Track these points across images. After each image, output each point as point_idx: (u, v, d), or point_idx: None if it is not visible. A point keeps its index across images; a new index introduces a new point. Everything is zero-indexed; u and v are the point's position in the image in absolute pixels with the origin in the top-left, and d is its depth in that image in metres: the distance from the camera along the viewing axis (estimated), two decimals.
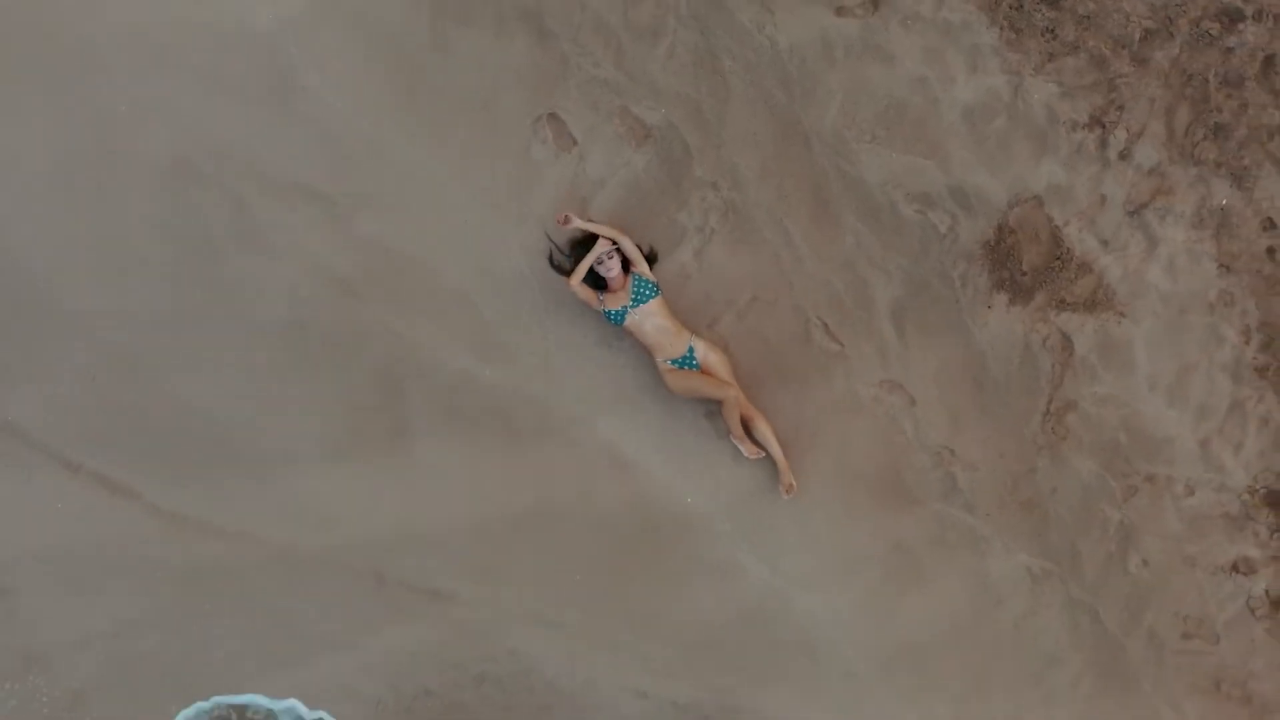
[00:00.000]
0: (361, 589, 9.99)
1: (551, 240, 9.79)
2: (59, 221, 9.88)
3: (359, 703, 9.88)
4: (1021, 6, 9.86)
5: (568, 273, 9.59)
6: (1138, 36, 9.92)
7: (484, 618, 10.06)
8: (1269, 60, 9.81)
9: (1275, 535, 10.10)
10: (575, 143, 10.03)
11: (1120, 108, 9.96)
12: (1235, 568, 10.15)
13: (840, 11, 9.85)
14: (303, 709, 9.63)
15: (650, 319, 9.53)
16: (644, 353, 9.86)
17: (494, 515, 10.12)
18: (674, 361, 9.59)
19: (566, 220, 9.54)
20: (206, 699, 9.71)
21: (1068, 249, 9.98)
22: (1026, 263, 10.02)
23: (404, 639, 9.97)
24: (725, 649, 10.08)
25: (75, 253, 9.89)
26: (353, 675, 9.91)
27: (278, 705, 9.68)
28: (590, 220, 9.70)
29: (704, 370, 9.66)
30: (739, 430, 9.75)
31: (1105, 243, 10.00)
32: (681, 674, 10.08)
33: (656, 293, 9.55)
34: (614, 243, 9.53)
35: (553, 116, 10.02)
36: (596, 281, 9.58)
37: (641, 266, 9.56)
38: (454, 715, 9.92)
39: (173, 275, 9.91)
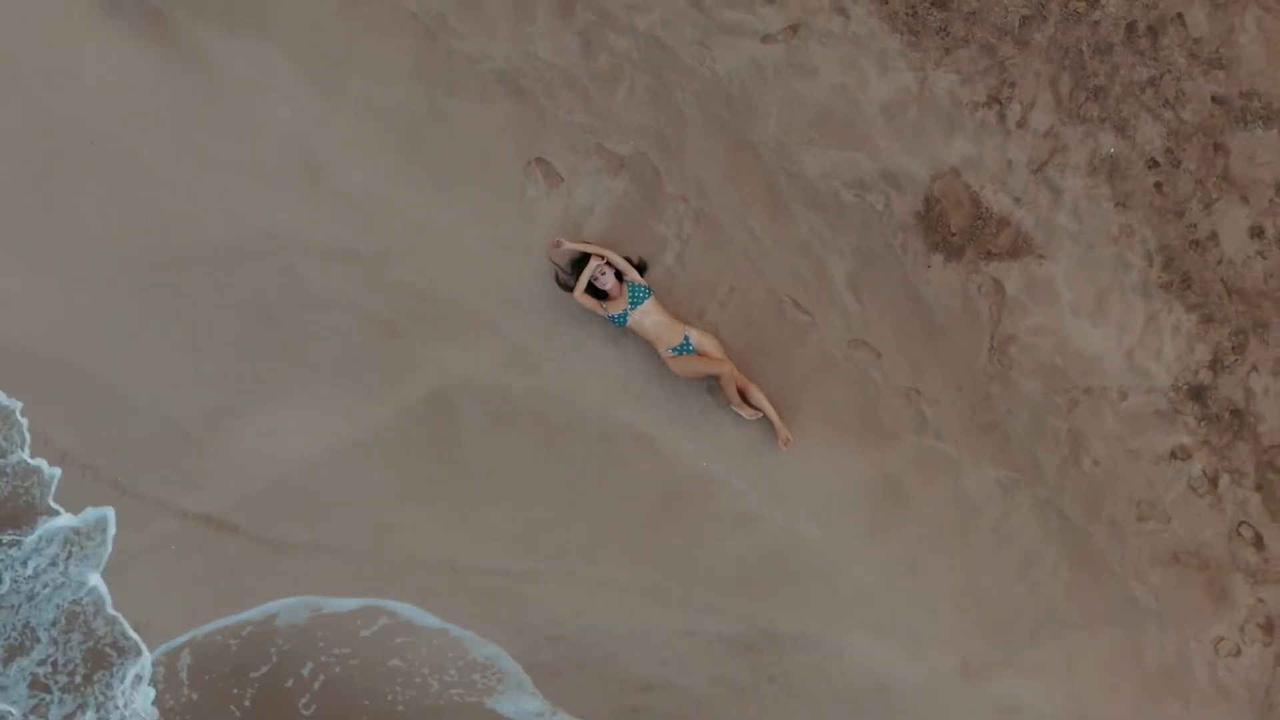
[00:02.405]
0: (441, 580, 11.28)
1: (555, 263, 11.16)
2: (135, 310, 11.23)
3: None
4: (915, 13, 11.24)
5: (571, 289, 10.98)
6: (1017, 23, 11.32)
7: (548, 588, 11.29)
8: (1130, 26, 11.24)
9: (1202, 423, 11.23)
10: (562, 179, 11.41)
11: (1012, 85, 11.30)
12: (1173, 455, 11.26)
13: (766, 39, 11.27)
14: None
15: (648, 317, 10.92)
16: (647, 346, 11.18)
17: (541, 500, 11.40)
18: (674, 349, 10.95)
19: (559, 244, 10.99)
20: None
21: (987, 209, 11.27)
22: (954, 225, 11.30)
23: (481, 619, 11.25)
24: (754, 585, 11.30)
25: (150, 332, 11.23)
26: None
27: None
28: (582, 241, 11.11)
29: (700, 353, 11.00)
30: (737, 399, 11.09)
31: (1017, 199, 11.27)
32: (721, 611, 11.29)
33: (649, 294, 10.96)
34: (604, 258, 10.95)
35: (540, 160, 11.41)
36: (597, 292, 10.94)
37: (631, 274, 10.94)
38: (534, 672, 11.23)
39: (239, 340, 11.22)
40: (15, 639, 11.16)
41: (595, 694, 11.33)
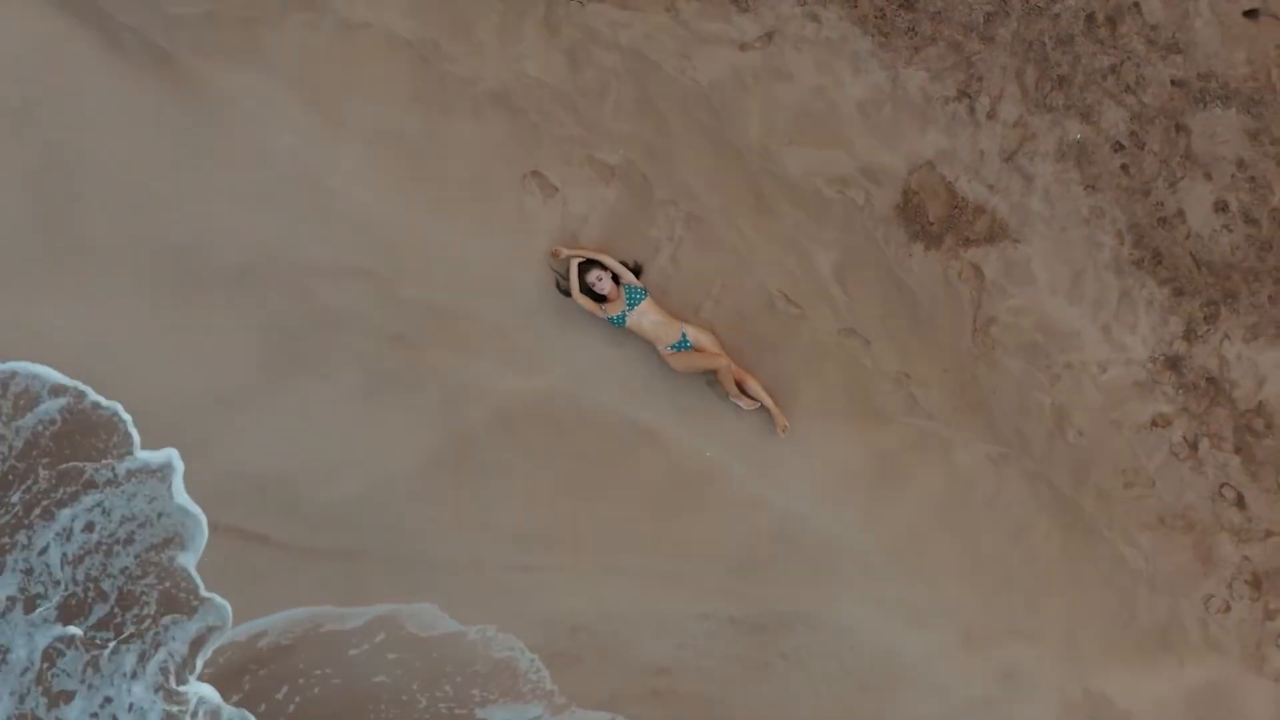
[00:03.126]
0: (464, 578, 11.63)
1: (555, 271, 11.59)
2: (155, 336, 11.58)
3: None
4: (884, 15, 11.76)
5: (570, 295, 11.42)
6: (981, 20, 11.84)
7: (566, 579, 11.66)
8: (1090, 17, 11.82)
9: (1180, 392, 11.73)
10: (557, 190, 11.81)
11: (979, 79, 11.82)
12: (1154, 423, 11.75)
13: (743, 48, 11.75)
14: None
15: (645, 317, 11.34)
16: (647, 345, 11.59)
17: (556, 496, 11.75)
18: (672, 347, 11.37)
19: (558, 253, 11.45)
20: None
21: (962, 198, 11.77)
22: (932, 215, 11.77)
23: (502, 612, 11.60)
24: (762, 567, 11.69)
25: (170, 356, 11.60)
26: None
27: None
28: (579, 248, 11.55)
29: (697, 349, 11.41)
30: (735, 390, 11.52)
31: (991, 187, 11.77)
32: (732, 593, 11.66)
33: (646, 295, 11.39)
34: (601, 263, 11.36)
35: (535, 173, 11.82)
36: (596, 296, 11.38)
37: (627, 276, 11.37)
38: (556, 662, 11.58)
39: (259, 361, 11.60)
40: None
41: (615, 679, 11.65)
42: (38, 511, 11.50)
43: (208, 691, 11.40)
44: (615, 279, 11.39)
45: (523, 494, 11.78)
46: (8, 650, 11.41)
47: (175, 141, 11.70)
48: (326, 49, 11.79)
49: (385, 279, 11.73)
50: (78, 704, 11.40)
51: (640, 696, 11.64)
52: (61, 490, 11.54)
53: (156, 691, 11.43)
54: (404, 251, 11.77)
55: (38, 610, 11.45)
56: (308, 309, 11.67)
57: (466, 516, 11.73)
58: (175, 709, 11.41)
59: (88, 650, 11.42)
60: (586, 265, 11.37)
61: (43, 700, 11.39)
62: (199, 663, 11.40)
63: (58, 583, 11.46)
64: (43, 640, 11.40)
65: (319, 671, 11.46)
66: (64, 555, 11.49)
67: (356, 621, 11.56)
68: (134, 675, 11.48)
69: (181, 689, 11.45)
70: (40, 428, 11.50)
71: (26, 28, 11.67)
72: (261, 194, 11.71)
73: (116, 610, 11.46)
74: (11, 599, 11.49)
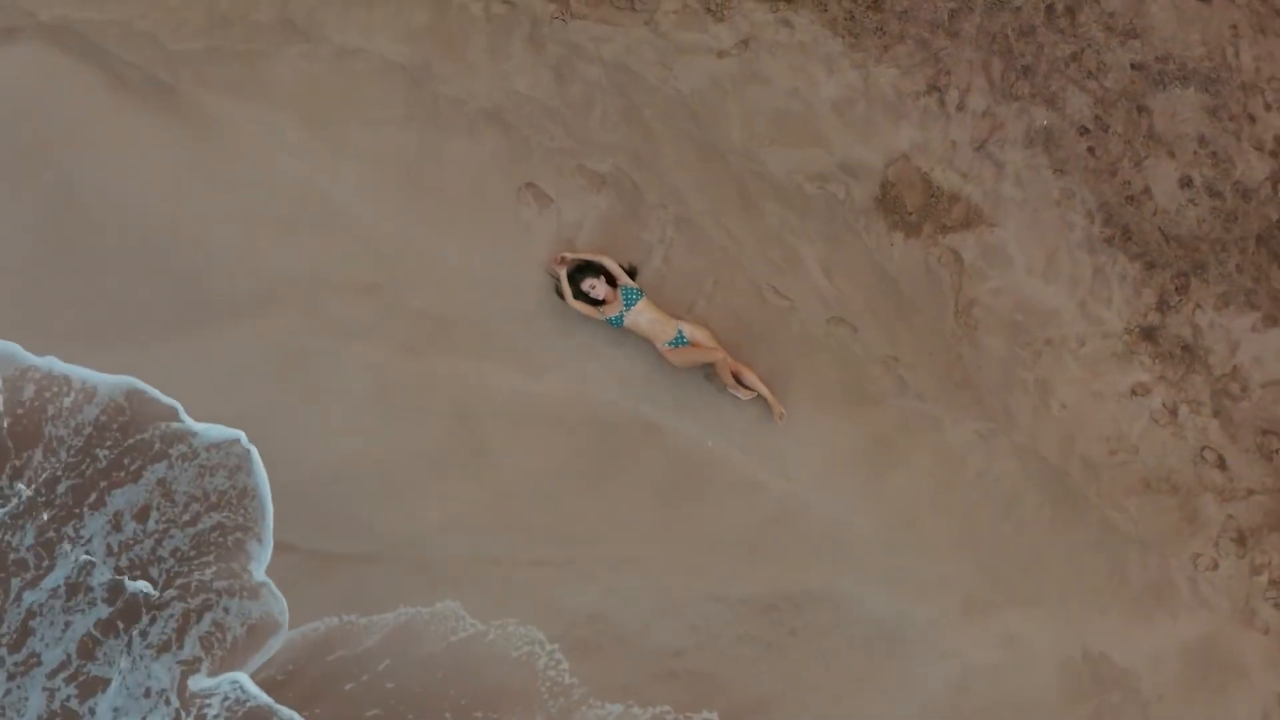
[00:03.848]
0: (482, 574, 11.97)
1: (553, 277, 11.97)
2: (175, 359, 12.00)
3: None
4: (853, 17, 12.18)
5: (569, 298, 11.78)
6: (946, 16, 12.26)
7: (581, 571, 12.00)
8: (1050, 8, 12.26)
9: (1157, 361, 12.08)
10: (552, 200, 12.21)
11: (948, 73, 12.22)
12: (1134, 392, 12.10)
13: (721, 55, 12.16)
14: None
15: (642, 316, 11.73)
16: (645, 343, 11.96)
17: (566, 491, 12.08)
18: (670, 343, 11.75)
19: (562, 260, 11.85)
20: None
21: (938, 187, 12.15)
22: (910, 205, 12.15)
23: (522, 606, 11.92)
24: (768, 549, 12.02)
25: (192, 377, 12.02)
26: None
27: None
28: (578, 252, 11.93)
29: (694, 344, 11.77)
30: (732, 382, 11.90)
31: (964, 175, 12.14)
32: (740, 576, 12.02)
33: (641, 295, 11.78)
34: (599, 271, 11.71)
35: (530, 185, 12.22)
36: (594, 301, 11.73)
37: (623, 278, 11.75)
38: (575, 652, 11.91)
39: (277, 376, 12.00)
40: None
41: (634, 663, 11.94)
42: (93, 497, 11.88)
43: (254, 690, 11.71)
44: (611, 281, 11.75)
45: (534, 491, 12.08)
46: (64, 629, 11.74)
47: (184, 171, 12.06)
48: (324, 76, 12.18)
49: (392, 292, 12.09)
50: (112, 691, 11.71)
51: (657, 678, 11.91)
52: (122, 471, 11.93)
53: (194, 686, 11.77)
54: (409, 265, 12.13)
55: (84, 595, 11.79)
56: (320, 325, 12.03)
57: (481, 516, 12.04)
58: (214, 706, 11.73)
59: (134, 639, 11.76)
60: (579, 273, 11.73)
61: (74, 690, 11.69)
62: (252, 661, 11.78)
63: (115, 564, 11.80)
64: (82, 628, 11.73)
65: (307, 712, 11.79)
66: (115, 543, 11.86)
67: (387, 620, 11.94)
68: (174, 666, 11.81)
69: (227, 690, 11.76)
70: (103, 417, 11.91)
71: (34, 71, 12.05)
72: (269, 218, 12.08)
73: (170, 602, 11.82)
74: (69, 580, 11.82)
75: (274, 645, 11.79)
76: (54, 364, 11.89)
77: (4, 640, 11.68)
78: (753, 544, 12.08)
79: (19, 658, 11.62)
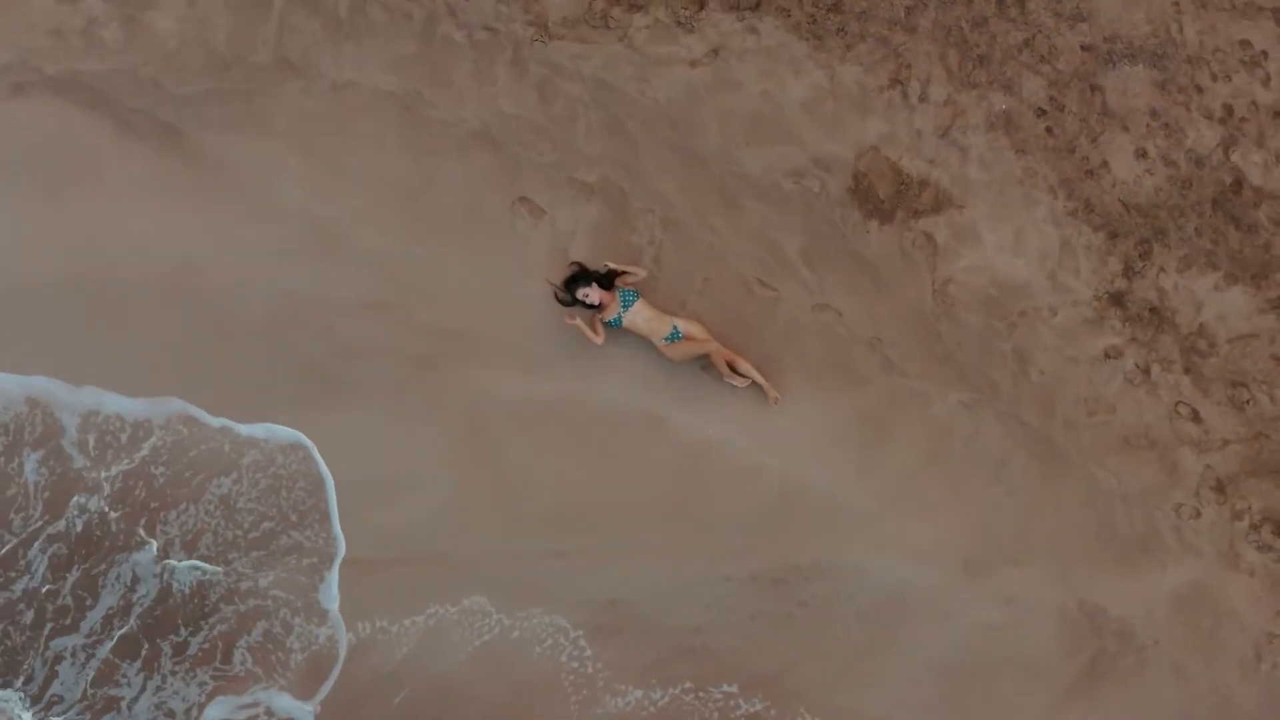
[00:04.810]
0: (506, 569, 12.39)
1: (552, 284, 12.38)
2: (201, 383, 12.48)
3: None
4: (815, 20, 12.62)
5: (570, 304, 12.23)
6: (903, 13, 12.70)
7: (598, 559, 12.43)
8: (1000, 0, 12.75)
9: (1126, 324, 12.46)
10: (545, 212, 12.69)
11: (908, 66, 12.65)
12: (1107, 355, 12.48)
13: (693, 65, 12.63)
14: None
15: (639, 315, 12.21)
16: (643, 341, 12.39)
17: (578, 485, 12.54)
18: (666, 339, 12.22)
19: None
20: None
21: (907, 175, 12.58)
22: (882, 194, 12.57)
23: (545, 596, 12.36)
24: (773, 526, 12.45)
25: (218, 399, 12.47)
26: None
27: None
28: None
29: (689, 338, 12.23)
30: (727, 371, 12.38)
31: (931, 162, 12.58)
32: (748, 554, 12.44)
33: (637, 296, 12.28)
34: (594, 280, 12.15)
35: (523, 198, 12.69)
36: (591, 305, 12.18)
37: (629, 280, 12.30)
38: (597, 636, 12.35)
39: (296, 394, 12.46)
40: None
41: (653, 643, 12.38)
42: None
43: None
44: (605, 286, 12.19)
45: (549, 487, 12.52)
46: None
47: (194, 206, 12.52)
48: (321, 110, 12.66)
49: (400, 308, 12.55)
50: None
51: (677, 656, 12.33)
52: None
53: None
54: (414, 281, 12.58)
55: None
56: (334, 344, 12.50)
57: (500, 514, 12.49)
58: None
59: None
60: (573, 282, 12.18)
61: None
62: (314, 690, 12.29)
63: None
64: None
65: None
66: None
67: (405, 645, 12.35)
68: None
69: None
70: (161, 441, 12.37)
71: (45, 122, 12.54)
72: (278, 246, 12.54)
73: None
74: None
75: (333, 675, 12.29)
76: (101, 398, 12.39)
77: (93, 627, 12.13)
78: (758, 523, 12.48)
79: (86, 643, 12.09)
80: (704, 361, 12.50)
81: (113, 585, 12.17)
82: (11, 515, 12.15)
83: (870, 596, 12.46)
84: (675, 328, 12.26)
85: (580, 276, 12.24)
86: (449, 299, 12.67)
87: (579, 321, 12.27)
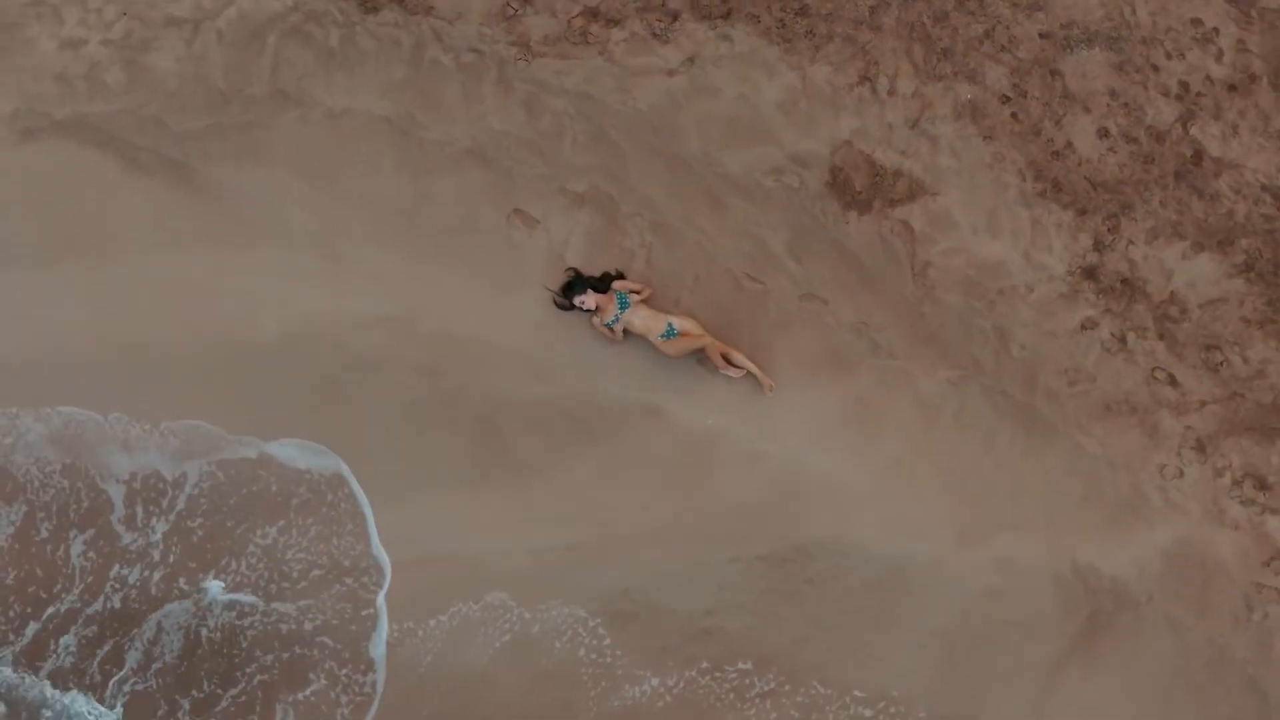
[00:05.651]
0: (523, 564, 12.70)
1: (550, 290, 12.85)
2: (224, 406, 12.77)
3: None
4: (784, 24, 13.05)
5: (567, 309, 12.72)
6: (867, 12, 13.12)
7: (610, 550, 12.75)
8: None
9: (1100, 296, 12.77)
10: (538, 222, 13.09)
11: (875, 63, 13.06)
12: (1083, 326, 12.77)
13: (671, 74, 13.08)
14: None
15: (635, 315, 12.65)
16: (641, 339, 12.77)
17: (587, 479, 12.87)
18: (662, 336, 12.61)
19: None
20: None
21: (881, 166, 12.96)
22: (859, 185, 12.95)
23: (563, 589, 12.67)
24: (775, 509, 12.77)
25: (240, 420, 12.78)
26: None
27: None
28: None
29: (684, 334, 12.62)
30: (722, 363, 12.75)
31: (903, 153, 12.97)
32: (753, 536, 12.76)
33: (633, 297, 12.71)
34: (590, 285, 12.62)
35: (517, 210, 13.11)
36: (587, 310, 12.69)
37: (623, 285, 12.70)
38: (615, 623, 12.66)
39: (312, 409, 12.80)
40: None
41: (669, 626, 12.67)
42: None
43: None
44: (600, 290, 12.64)
45: (559, 483, 12.84)
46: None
47: (204, 235, 12.91)
48: (319, 137, 13.10)
49: (406, 321, 12.91)
50: None
51: (693, 638, 12.62)
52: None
53: None
54: (418, 295, 12.97)
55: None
56: (345, 359, 12.86)
57: (515, 511, 12.81)
58: None
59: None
60: (569, 289, 12.64)
61: None
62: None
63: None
64: None
65: None
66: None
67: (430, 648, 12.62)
68: None
69: None
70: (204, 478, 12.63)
71: (57, 165, 12.93)
72: (286, 268, 12.92)
73: None
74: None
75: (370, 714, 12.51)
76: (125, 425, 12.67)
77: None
78: (761, 506, 12.81)
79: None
80: (700, 355, 12.87)
81: (138, 646, 12.30)
82: (46, 596, 12.23)
83: (873, 570, 12.75)
84: (670, 325, 12.64)
85: (576, 283, 12.67)
86: (452, 309, 13.02)
87: (596, 322, 12.75)
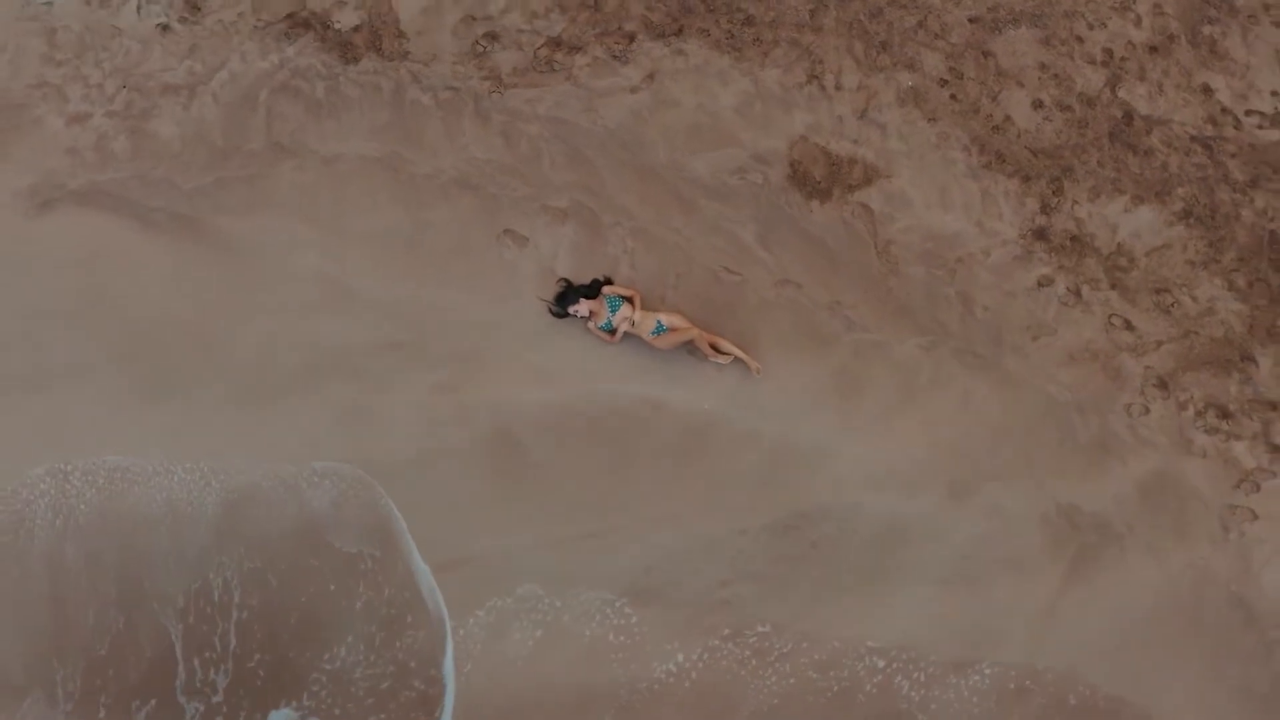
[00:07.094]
0: (549, 555, 13.15)
1: (544, 300, 13.39)
2: (254, 439, 13.18)
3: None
4: (732, 35, 13.66)
5: (562, 317, 13.26)
6: (808, 16, 13.75)
7: (627, 534, 13.21)
8: None
9: (1052, 254, 13.32)
10: (527, 239, 13.60)
11: (820, 62, 13.66)
12: (1040, 284, 13.32)
13: (634, 91, 13.69)
14: None
15: (626, 316, 13.16)
16: (634, 337, 13.29)
17: (600, 472, 13.32)
18: (653, 332, 13.19)
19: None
20: None
21: (837, 156, 13.54)
22: (818, 176, 13.52)
23: (587, 574, 13.14)
24: (775, 482, 13.26)
25: (272, 451, 13.19)
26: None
27: None
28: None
29: (672, 329, 13.17)
30: (711, 352, 13.31)
31: (855, 142, 13.56)
32: (757, 508, 13.25)
33: (622, 300, 13.24)
34: (581, 294, 13.15)
35: (506, 230, 13.61)
36: (582, 316, 13.26)
37: (614, 291, 13.23)
38: (639, 601, 13.05)
39: (339, 432, 13.23)
40: None
41: (689, 599, 13.11)
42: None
43: None
44: (590, 295, 13.18)
45: (573, 478, 13.29)
46: None
47: (221, 282, 13.39)
48: (316, 182, 13.62)
49: (415, 343, 13.39)
50: None
51: (713, 608, 13.06)
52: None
53: None
54: (423, 318, 13.45)
55: None
56: (365, 383, 13.32)
57: (536, 507, 13.26)
58: None
59: None
60: (562, 299, 13.18)
61: None
62: None
63: None
64: None
65: None
66: None
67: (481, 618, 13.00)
68: None
69: None
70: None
71: (75, 231, 13.40)
72: (298, 306, 13.41)
73: None
74: None
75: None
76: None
77: None
78: (760, 479, 13.31)
79: None
80: (690, 347, 13.39)
81: None
82: None
83: (871, 528, 13.20)
84: (659, 322, 13.17)
85: (568, 292, 13.21)
86: (455, 328, 13.49)
87: (592, 327, 13.24)
